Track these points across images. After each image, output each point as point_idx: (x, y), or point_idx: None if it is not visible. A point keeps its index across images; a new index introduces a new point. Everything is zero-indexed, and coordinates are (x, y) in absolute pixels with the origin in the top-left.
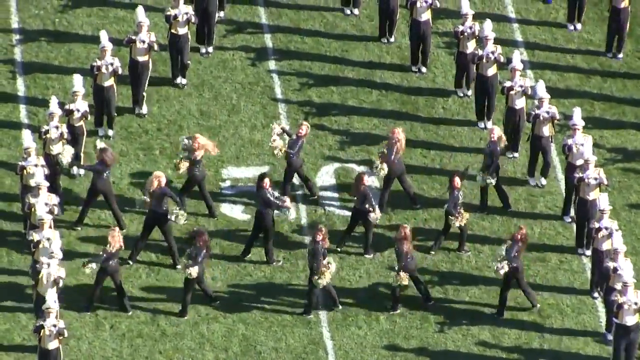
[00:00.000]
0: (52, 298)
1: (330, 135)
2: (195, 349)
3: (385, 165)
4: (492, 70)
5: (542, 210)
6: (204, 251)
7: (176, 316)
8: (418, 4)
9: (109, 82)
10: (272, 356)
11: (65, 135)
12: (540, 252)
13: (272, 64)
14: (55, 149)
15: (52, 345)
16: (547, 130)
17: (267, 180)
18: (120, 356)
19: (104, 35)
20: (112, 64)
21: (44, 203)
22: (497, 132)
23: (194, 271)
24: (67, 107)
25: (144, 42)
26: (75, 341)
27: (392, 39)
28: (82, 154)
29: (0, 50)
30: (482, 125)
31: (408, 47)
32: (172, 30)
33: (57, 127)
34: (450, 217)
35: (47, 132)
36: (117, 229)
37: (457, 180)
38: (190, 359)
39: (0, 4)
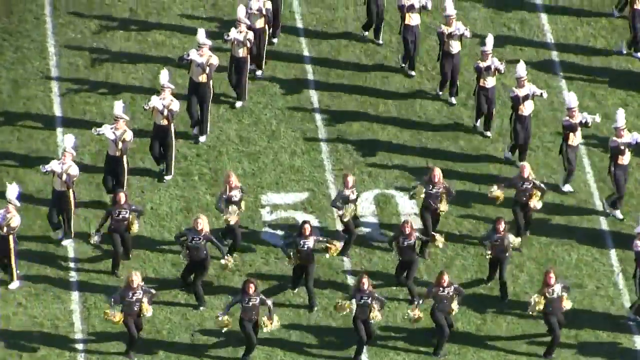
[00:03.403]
0: None
1: (371, 162)
2: None
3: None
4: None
5: (579, 236)
6: (259, 298)
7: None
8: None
9: (165, 120)
10: None
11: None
12: (577, 278)
13: (312, 90)
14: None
15: None
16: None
17: (307, 227)
18: None
19: (164, 75)
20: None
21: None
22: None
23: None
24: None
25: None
26: None
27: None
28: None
29: (37, 74)
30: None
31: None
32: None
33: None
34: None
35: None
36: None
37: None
38: None
39: (36, 27)
